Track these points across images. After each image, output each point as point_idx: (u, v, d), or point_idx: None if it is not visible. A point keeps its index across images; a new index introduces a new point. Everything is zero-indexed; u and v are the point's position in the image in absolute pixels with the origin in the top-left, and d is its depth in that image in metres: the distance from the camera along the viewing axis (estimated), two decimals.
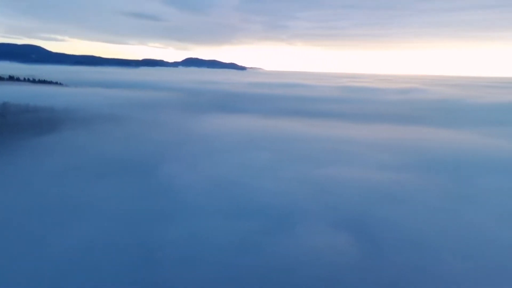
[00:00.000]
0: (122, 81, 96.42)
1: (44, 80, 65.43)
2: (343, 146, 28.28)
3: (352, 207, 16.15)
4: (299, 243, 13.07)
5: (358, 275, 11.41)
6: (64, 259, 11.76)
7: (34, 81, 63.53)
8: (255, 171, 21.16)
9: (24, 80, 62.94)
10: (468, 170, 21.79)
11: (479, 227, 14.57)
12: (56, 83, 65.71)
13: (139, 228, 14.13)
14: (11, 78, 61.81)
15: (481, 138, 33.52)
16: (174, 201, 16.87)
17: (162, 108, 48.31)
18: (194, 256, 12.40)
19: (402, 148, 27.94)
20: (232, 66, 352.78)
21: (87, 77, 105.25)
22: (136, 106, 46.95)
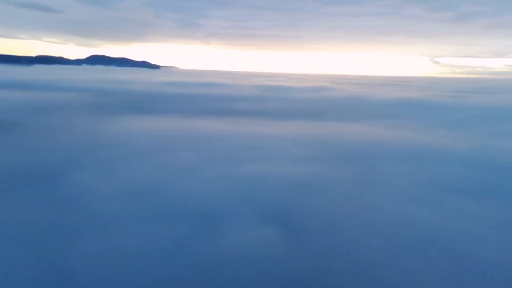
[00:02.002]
0: (12, 80, 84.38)
1: None
2: (263, 142, 29.01)
3: (275, 200, 16.62)
4: (227, 241, 12.95)
5: (285, 264, 11.79)
6: None
7: None
8: (177, 173, 20.41)
9: None
10: (373, 158, 24.32)
11: (385, 208, 16.31)
12: None
13: (46, 247, 12.39)
14: None
15: (382, 130, 37.72)
16: (87, 212, 15.23)
17: (65, 111, 43.50)
18: (116, 269, 11.35)
19: (317, 142, 29.82)
20: (145, 64, 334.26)
21: None
22: (33, 110, 41.44)
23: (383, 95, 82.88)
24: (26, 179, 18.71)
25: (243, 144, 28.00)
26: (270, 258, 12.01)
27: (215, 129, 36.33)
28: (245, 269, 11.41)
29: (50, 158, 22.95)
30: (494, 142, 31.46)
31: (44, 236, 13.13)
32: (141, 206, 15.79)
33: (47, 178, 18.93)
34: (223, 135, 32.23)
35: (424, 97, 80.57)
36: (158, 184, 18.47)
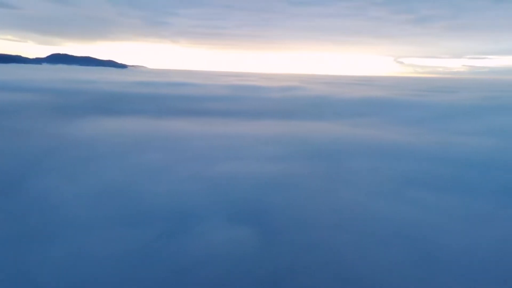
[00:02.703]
0: None
1: None
2: (234, 142, 29.08)
3: (246, 199, 16.78)
4: (199, 242, 12.94)
5: (258, 262, 11.94)
6: None
7: None
8: (147, 174, 20.07)
9: None
10: (341, 155, 25.07)
11: (353, 202, 16.93)
12: None
13: (9, 254, 11.83)
14: None
15: (349, 128, 38.91)
16: (52, 217, 14.66)
17: (27, 113, 41.38)
18: (84, 275, 11.04)
19: (287, 140, 30.30)
20: (111, 63, 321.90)
21: None
22: None
23: (350, 94, 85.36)
24: None
25: (214, 144, 27.95)
26: (242, 256, 12.14)
27: (185, 129, 35.96)
28: (217, 269, 11.47)
29: (12, 163, 21.84)
30: (453, 138, 33.38)
31: (7, 243, 12.54)
32: (110, 209, 15.42)
33: (9, 183, 18.02)
34: (193, 135, 31.98)
35: (389, 96, 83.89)
36: (128, 186, 18.09)
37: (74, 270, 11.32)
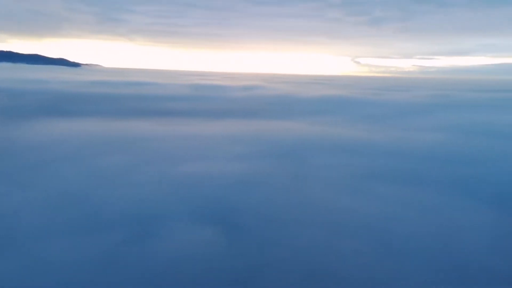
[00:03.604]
0: None
1: None
2: (198, 142, 28.72)
3: (213, 199, 16.60)
4: (166, 245, 12.59)
5: (227, 261, 11.85)
6: None
7: None
8: (106, 178, 19.20)
9: None
10: (304, 152, 25.67)
11: (319, 198, 17.36)
12: None
13: None
14: None
15: (311, 126, 39.87)
16: (3, 226, 13.60)
17: None
18: (41, 286, 10.34)
19: (252, 139, 30.43)
20: (62, 62, 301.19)
21: None
22: None
23: (311, 93, 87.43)
24: None
25: (178, 145, 27.41)
26: (211, 257, 12.00)
27: (146, 130, 34.89)
28: (186, 271, 11.26)
29: None
30: (408, 134, 35.32)
31: None
32: (68, 216, 14.55)
33: None
34: (155, 136, 31.12)
35: (347, 94, 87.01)
36: (86, 191, 17.17)
37: (29, 283, 10.59)
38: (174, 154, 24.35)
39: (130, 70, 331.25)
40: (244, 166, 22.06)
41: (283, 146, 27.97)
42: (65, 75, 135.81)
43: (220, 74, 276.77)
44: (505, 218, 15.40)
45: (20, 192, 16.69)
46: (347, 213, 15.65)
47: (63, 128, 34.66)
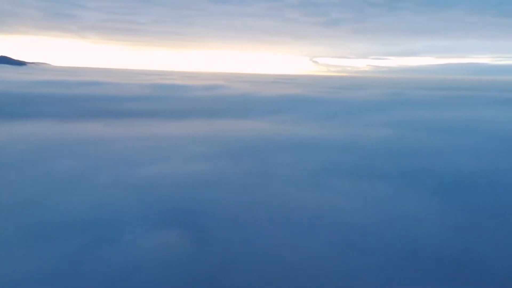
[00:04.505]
0: None
1: None
2: (158, 143, 28.12)
3: (175, 200, 16.40)
4: (130, 249, 12.24)
5: (192, 262, 11.78)
6: None
7: None
8: (62, 183, 18.25)
9: None
10: (265, 151, 26.09)
11: (279, 195, 17.71)
12: None
13: None
14: None
15: (271, 125, 40.54)
16: None
17: None
18: None
19: (213, 139, 30.35)
20: (5, 60, 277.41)
21: None
22: None
23: (271, 92, 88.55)
24: None
25: (137, 146, 26.64)
26: (175, 259, 11.87)
27: (102, 132, 33.52)
28: (150, 275, 11.06)
29: None
30: (363, 130, 37.02)
31: None
32: (21, 224, 13.70)
33: None
34: (113, 138, 30.03)
35: (306, 93, 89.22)
36: (38, 198, 16.14)
37: None
38: (132, 156, 23.67)
39: (83, 69, 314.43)
40: (205, 166, 21.97)
41: (246, 145, 28.20)
42: (8, 74, 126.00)
43: (181, 73, 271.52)
44: (449, 206, 16.71)
45: None
46: (307, 209, 16.16)
47: (10, 131, 32.38)
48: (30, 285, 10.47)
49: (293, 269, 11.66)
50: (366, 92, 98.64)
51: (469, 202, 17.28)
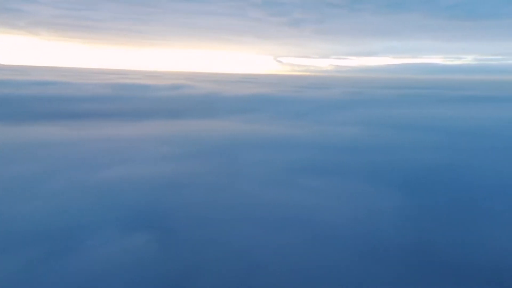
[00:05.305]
0: None
1: None
2: (120, 145, 26.89)
3: (141, 202, 15.66)
4: (94, 256, 11.48)
5: (160, 264, 11.28)
6: None
7: None
8: (14, 189, 16.88)
9: None
10: (233, 150, 25.75)
11: (249, 193, 17.45)
12: None
13: None
14: None
15: (239, 124, 40.25)
16: None
17: None
18: None
19: (180, 139, 29.60)
20: None
21: None
22: None
23: (237, 92, 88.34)
24: None
25: (96, 149, 25.23)
26: (143, 262, 11.28)
27: (56, 135, 31.46)
28: (117, 281, 10.41)
29: None
30: (328, 128, 37.71)
31: None
32: None
33: None
34: (69, 141, 28.27)
35: (272, 92, 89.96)
36: None
37: None
38: (92, 159, 22.37)
39: (34, 68, 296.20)
40: (173, 166, 21.26)
41: (213, 145, 27.69)
42: None
43: (143, 72, 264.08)
44: (411, 200, 17.24)
45: None
46: (276, 207, 16.01)
47: None
48: None
49: (263, 268, 11.48)
50: (329, 91, 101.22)
51: (428, 195, 17.96)
